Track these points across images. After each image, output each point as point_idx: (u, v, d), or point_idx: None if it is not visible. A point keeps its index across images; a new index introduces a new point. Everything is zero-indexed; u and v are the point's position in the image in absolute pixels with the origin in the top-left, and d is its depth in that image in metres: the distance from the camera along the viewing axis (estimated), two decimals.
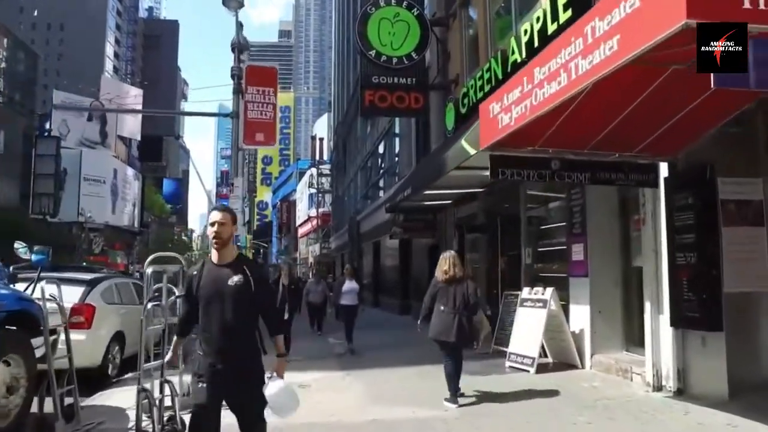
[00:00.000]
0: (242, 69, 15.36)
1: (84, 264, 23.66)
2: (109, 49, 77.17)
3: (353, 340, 10.59)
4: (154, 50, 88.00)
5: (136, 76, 74.52)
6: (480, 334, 6.81)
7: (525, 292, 8.47)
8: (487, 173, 9.92)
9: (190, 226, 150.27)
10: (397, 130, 21.01)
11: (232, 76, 15.18)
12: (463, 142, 8.06)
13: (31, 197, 42.64)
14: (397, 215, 14.32)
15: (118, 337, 8.28)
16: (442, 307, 5.99)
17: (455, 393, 6.03)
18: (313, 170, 49.45)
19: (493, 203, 11.53)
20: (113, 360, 8.13)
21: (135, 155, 64.06)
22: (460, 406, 5.96)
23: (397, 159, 21.24)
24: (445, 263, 6.14)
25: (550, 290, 7.97)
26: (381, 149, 24.37)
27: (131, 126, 58.15)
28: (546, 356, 8.20)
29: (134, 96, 59.19)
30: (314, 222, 49.38)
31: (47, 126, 49.29)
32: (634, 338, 7.65)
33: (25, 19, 70.98)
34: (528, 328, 8.03)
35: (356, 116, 31.38)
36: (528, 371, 7.66)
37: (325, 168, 48.01)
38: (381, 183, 24.54)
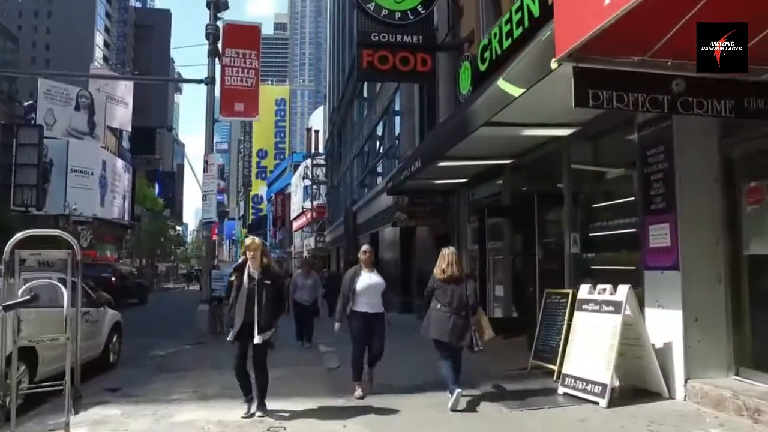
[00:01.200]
0: (219, 28, 12.94)
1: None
2: (99, 38, 74.12)
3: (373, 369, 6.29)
4: (146, 40, 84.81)
5: (127, 66, 71.63)
6: (483, 335, 5.68)
7: (584, 292, 6.10)
8: (528, 133, 7.64)
9: (185, 220, 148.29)
10: (397, 107, 18.64)
11: (207, 36, 12.76)
12: (500, 82, 5.71)
13: (12, 189, 40.45)
14: (401, 198, 11.96)
15: (26, 355, 5.90)
16: (438, 306, 5.57)
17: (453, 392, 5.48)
18: (308, 161, 47.32)
19: (526, 178, 9.19)
20: (16, 386, 5.73)
21: (126, 147, 61.78)
22: None
23: (397, 142, 18.88)
24: (444, 261, 5.65)
25: (624, 289, 5.61)
26: (379, 131, 21.99)
27: (121, 117, 55.68)
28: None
29: (125, 86, 56.77)
30: (309, 215, 47.21)
31: (33, 115, 47.25)
32: (746, 358, 5.34)
33: (10, 6, 67.96)
34: (592, 341, 5.68)
35: (352, 101, 29.03)
36: (597, 403, 5.33)
37: (320, 159, 45.95)
38: (379, 169, 22.17)
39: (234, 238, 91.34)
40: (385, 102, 20.02)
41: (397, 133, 18.90)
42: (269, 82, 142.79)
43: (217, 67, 12.98)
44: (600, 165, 7.38)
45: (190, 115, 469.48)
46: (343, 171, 32.81)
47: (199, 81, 12.92)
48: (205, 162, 12.64)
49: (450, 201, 12.13)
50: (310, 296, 10.49)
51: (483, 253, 9.47)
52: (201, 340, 11.04)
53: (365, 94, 25.17)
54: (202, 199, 12.90)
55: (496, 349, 7.30)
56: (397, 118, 18.83)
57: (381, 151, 21.58)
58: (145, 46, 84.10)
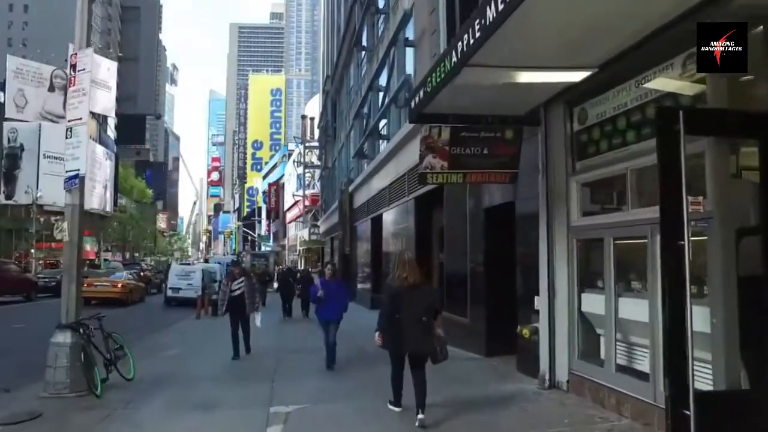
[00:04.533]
0: None
1: None
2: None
3: None
4: (134, 24, 78.12)
5: (111, 47, 65.17)
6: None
7: None
8: None
9: (181, 214, 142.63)
10: (410, 35, 12.78)
11: None
12: None
13: None
14: (434, 130, 6.05)
15: None
16: (397, 315, 5.01)
17: (400, 400, 5.23)
18: (301, 147, 41.74)
19: None
20: None
21: (113, 136, 55.81)
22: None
23: (406, 94, 13.02)
24: (403, 267, 5.07)
25: None
26: (383, 80, 16.13)
27: (104, 101, 49.76)
28: None
29: (107, 69, 50.86)
30: (302, 205, 41.55)
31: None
32: None
33: None
34: None
35: (348, 63, 23.17)
36: None
37: (314, 142, 40.34)
38: (383, 130, 16.31)
39: (230, 228, 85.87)
40: (391, 33, 14.14)
41: (408, 73, 13.06)
42: (265, 72, 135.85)
43: None
44: None
45: (187, 107, 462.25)
46: (338, 149, 26.97)
47: None
48: (72, 66, 6.90)
49: (527, 135, 6.24)
50: None
51: (676, 225, 3.52)
52: (37, 412, 5.16)
53: (364, 41, 19.29)
54: (65, 137, 7.15)
55: None
56: (409, 51, 12.98)
57: (385, 102, 15.68)
58: (132, 29, 77.43)
